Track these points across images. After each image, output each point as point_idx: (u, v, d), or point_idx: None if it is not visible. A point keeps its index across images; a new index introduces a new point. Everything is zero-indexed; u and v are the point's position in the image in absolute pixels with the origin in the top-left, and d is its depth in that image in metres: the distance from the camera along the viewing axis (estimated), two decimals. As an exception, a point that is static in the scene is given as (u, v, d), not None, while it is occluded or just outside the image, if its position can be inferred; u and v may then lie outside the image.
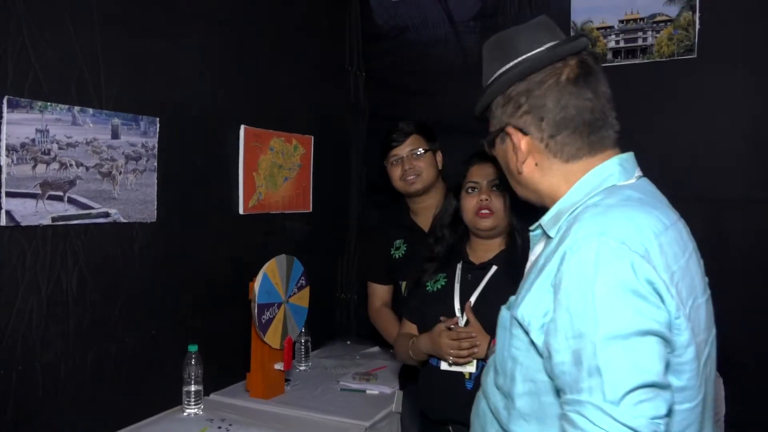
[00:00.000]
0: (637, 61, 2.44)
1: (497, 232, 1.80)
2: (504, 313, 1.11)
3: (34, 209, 1.64)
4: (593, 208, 1.00)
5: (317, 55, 2.80)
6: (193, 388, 2.09)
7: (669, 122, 2.36)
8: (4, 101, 1.56)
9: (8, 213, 1.58)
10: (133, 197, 1.89)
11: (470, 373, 1.70)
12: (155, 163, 1.96)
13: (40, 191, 1.65)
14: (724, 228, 2.25)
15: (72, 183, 1.73)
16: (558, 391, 0.96)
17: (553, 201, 1.09)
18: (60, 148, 1.69)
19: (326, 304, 2.95)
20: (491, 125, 1.16)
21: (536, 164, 1.09)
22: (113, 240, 1.87)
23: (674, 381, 0.92)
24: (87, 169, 1.76)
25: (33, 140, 1.62)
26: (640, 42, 2.43)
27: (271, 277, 2.24)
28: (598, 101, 1.07)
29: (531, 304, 1.00)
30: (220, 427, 1.98)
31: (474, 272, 1.81)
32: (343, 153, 3.03)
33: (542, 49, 1.09)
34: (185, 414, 2.08)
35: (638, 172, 1.10)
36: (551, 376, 0.97)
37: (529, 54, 1.09)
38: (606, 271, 0.90)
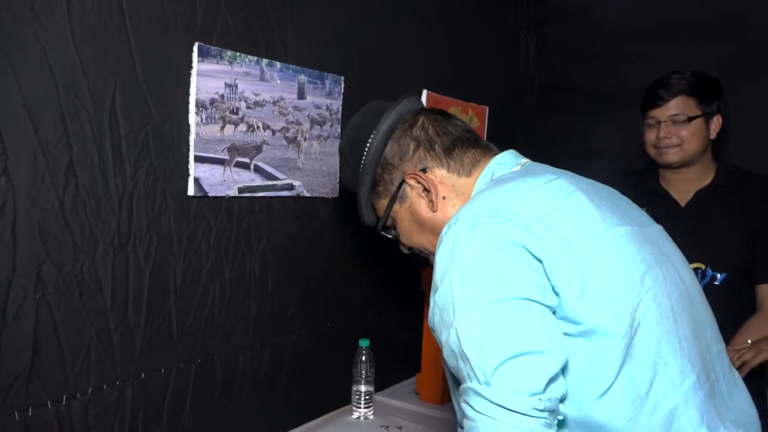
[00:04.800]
0: None
1: None
2: None
3: (221, 178, 1.41)
4: None
5: (489, 16, 2.46)
6: (363, 387, 1.84)
7: None
8: (195, 48, 1.32)
9: (197, 181, 1.35)
10: (316, 168, 1.64)
11: None
12: (339, 129, 1.69)
13: (227, 156, 1.41)
14: None
15: (258, 149, 1.48)
16: None
17: None
18: (248, 107, 1.44)
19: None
20: (381, 202, 1.17)
21: (444, 197, 1.09)
22: (295, 217, 1.63)
23: (570, 328, 0.86)
24: (273, 132, 1.51)
25: (222, 96, 1.38)
26: None
27: (451, 265, 1.95)
28: (465, 125, 1.15)
29: (431, 313, 0.95)
30: (400, 438, 1.72)
31: None
32: (510, 130, 2.68)
33: (392, 111, 1.15)
34: (354, 416, 1.83)
35: (523, 161, 1.09)
36: None
37: (382, 121, 1.14)
38: (461, 254, 0.88)
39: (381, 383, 1.96)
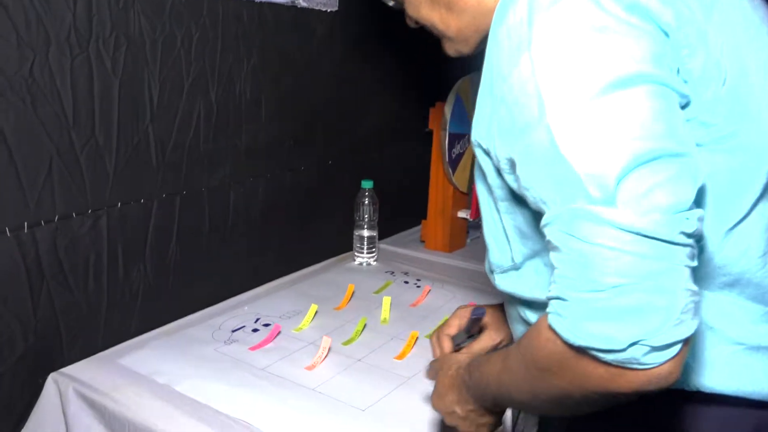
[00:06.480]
0: None
1: None
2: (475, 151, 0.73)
3: (200, -29, 1.15)
4: None
5: None
6: (366, 232, 1.69)
7: None
8: None
9: (169, -29, 1.10)
10: (315, -28, 1.38)
11: None
12: (341, -74, 1.42)
13: (207, -56, 1.15)
14: None
15: (245, -61, 1.22)
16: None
17: None
18: None
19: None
20: None
21: None
22: (290, 32, 1.39)
23: (700, 136, 0.61)
24: None
25: None
26: None
27: (464, 100, 1.74)
28: None
29: (481, 121, 0.67)
30: (406, 282, 1.60)
31: None
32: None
33: None
34: (356, 262, 1.71)
35: None
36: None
37: None
38: (552, 25, 0.57)
39: (383, 231, 1.81)
